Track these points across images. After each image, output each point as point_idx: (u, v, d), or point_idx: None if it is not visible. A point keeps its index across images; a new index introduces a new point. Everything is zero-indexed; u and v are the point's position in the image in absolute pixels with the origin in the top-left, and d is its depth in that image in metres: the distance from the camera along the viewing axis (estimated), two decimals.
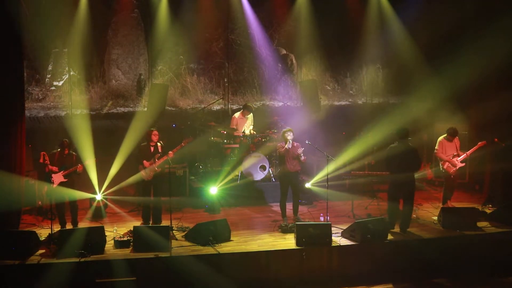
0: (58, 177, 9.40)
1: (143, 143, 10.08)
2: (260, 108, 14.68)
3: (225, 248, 8.93)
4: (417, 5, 13.04)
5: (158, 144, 9.95)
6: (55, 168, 9.38)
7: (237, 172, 11.59)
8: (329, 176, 10.09)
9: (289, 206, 10.45)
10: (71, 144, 9.72)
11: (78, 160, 9.59)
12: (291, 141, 10.01)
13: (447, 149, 10.70)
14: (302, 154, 9.98)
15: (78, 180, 9.78)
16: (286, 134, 10.08)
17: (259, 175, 11.59)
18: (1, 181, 9.26)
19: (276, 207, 10.89)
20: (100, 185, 10.27)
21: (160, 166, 9.85)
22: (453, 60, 11.91)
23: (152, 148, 9.93)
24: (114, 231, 9.33)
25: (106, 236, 8.87)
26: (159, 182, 9.97)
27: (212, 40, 14.81)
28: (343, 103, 15.76)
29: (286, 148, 10.03)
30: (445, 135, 10.76)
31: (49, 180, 9.35)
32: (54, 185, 9.36)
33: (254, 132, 12.20)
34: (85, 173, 9.86)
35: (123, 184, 10.36)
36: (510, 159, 11.00)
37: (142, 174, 9.90)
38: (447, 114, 12.48)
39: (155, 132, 9.91)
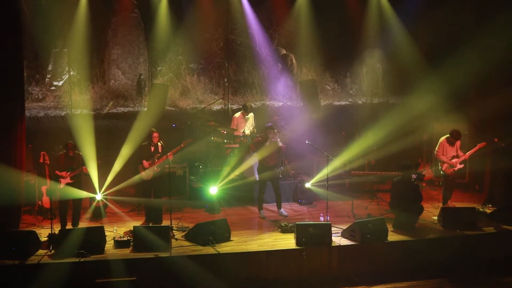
0: (64, 180, 9.42)
1: (144, 143, 10.12)
2: (260, 108, 14.67)
3: (225, 248, 8.93)
4: (416, 4, 13.04)
5: (159, 144, 10.01)
6: (64, 173, 9.40)
7: (237, 172, 11.58)
8: (329, 176, 10.11)
9: (287, 206, 10.52)
10: (76, 145, 9.72)
11: (84, 161, 9.60)
12: (271, 139, 10.43)
13: (447, 151, 10.72)
14: (279, 141, 10.48)
15: (85, 180, 9.80)
16: (268, 132, 10.47)
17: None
18: (1, 181, 9.27)
19: (275, 207, 10.91)
20: (101, 185, 10.27)
21: (159, 166, 9.88)
22: (453, 59, 11.91)
23: (152, 148, 9.98)
24: (114, 231, 9.33)
25: (106, 236, 8.88)
26: (158, 182, 10.01)
27: (212, 40, 14.80)
28: (343, 103, 15.75)
29: (266, 145, 10.42)
30: (448, 136, 10.75)
31: (56, 182, 9.37)
32: (61, 186, 9.37)
33: (254, 130, 12.20)
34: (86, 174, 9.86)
35: (123, 185, 10.38)
36: (510, 159, 11.00)
37: (141, 174, 9.93)
38: (446, 114, 12.48)
39: (156, 134, 9.95)
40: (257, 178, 11.55)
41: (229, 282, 8.51)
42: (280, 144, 10.52)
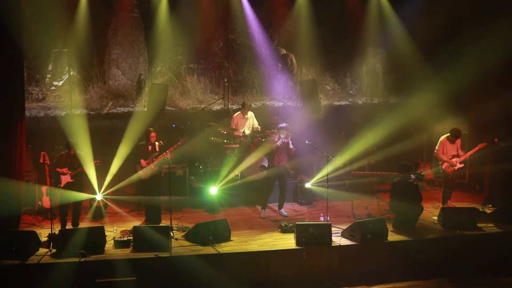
0: (65, 178, 9.43)
1: (141, 142, 10.16)
2: (260, 108, 14.67)
3: (225, 248, 8.93)
4: (416, 4, 13.04)
5: (156, 143, 10.03)
6: (65, 170, 9.41)
7: (237, 172, 11.58)
8: (329, 176, 10.11)
9: (287, 206, 10.54)
10: (76, 144, 9.75)
11: (84, 160, 9.61)
12: (283, 139, 10.34)
13: (448, 150, 10.72)
14: (291, 143, 10.46)
15: (85, 180, 9.81)
16: (281, 132, 10.39)
17: (259, 175, 11.57)
18: (1, 181, 9.26)
19: (277, 207, 10.91)
20: (100, 185, 10.27)
21: (157, 165, 9.89)
22: (453, 59, 11.92)
23: (150, 147, 10.00)
24: (114, 231, 9.33)
25: (106, 236, 8.88)
26: (157, 181, 10.02)
27: (212, 40, 14.80)
28: (343, 103, 15.75)
29: (277, 145, 10.36)
30: (448, 135, 10.76)
31: (57, 180, 9.37)
32: (61, 185, 9.38)
33: (259, 127, 12.18)
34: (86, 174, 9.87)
35: (122, 184, 10.39)
36: (510, 159, 11.00)
37: (139, 173, 9.95)
38: (446, 114, 12.48)
39: (153, 133, 9.97)
40: (257, 178, 11.57)
41: (229, 282, 8.50)
42: (291, 146, 10.49)
